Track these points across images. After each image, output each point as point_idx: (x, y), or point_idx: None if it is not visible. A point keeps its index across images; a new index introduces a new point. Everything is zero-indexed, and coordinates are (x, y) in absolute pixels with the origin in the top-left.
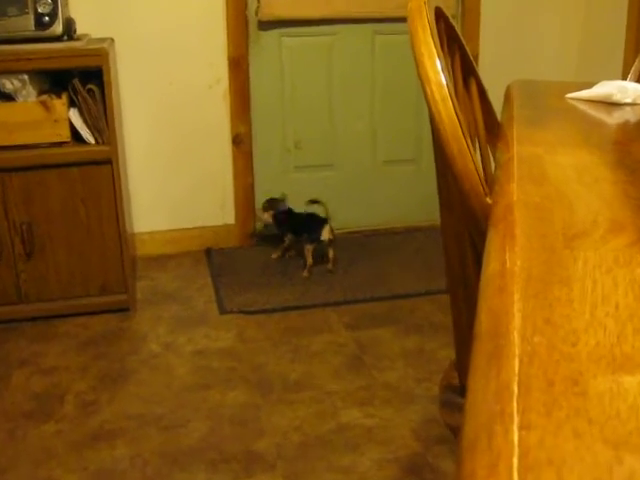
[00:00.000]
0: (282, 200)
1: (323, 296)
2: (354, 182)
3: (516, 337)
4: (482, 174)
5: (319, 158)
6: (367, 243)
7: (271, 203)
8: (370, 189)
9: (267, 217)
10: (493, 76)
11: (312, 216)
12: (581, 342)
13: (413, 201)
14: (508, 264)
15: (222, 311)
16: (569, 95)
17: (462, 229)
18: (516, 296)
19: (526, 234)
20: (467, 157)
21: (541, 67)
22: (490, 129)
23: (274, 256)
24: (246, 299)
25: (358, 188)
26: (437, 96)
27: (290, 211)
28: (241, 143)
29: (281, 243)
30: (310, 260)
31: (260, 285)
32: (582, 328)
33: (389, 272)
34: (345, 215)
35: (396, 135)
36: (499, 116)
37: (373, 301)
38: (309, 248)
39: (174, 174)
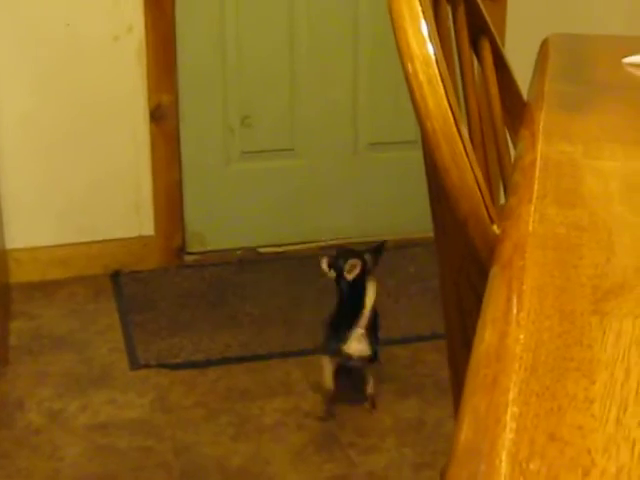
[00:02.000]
0: (360, 254)
1: (282, 341)
2: (326, 174)
3: (504, 463)
4: (487, 190)
5: (276, 140)
6: None
7: (343, 255)
8: (349, 185)
9: (332, 274)
10: (519, 32)
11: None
12: (596, 471)
13: (413, 202)
14: (508, 339)
15: (134, 365)
16: (628, 60)
17: (460, 264)
18: (512, 394)
19: (539, 289)
20: (465, 167)
21: (584, 16)
22: (511, 109)
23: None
24: (169, 346)
25: (332, 183)
26: (422, 77)
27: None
28: (163, 119)
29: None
30: (329, 384)
31: (190, 325)
32: (601, 447)
33: (379, 305)
34: (313, 223)
35: (388, 106)
36: (525, 90)
37: None
38: (327, 363)
39: (64, 166)
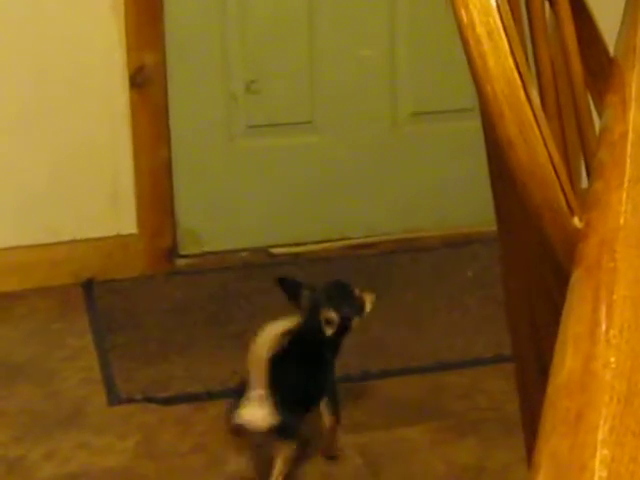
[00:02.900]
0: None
1: None
2: (355, 154)
3: None
4: (565, 172)
5: (290, 111)
6: (384, 267)
7: (345, 299)
8: (385, 167)
9: (334, 317)
10: None
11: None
12: None
13: (469, 187)
14: (595, 363)
15: (113, 399)
16: None
17: (531, 267)
18: (602, 432)
19: (634, 298)
20: (535, 142)
21: None
22: (594, 68)
23: None
24: (158, 375)
25: (362, 165)
26: (480, 29)
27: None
28: (146, 85)
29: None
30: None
31: (185, 348)
32: None
33: (427, 320)
34: (338, 217)
35: (435, 66)
36: (612, 46)
37: (395, 375)
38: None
39: (22, 148)
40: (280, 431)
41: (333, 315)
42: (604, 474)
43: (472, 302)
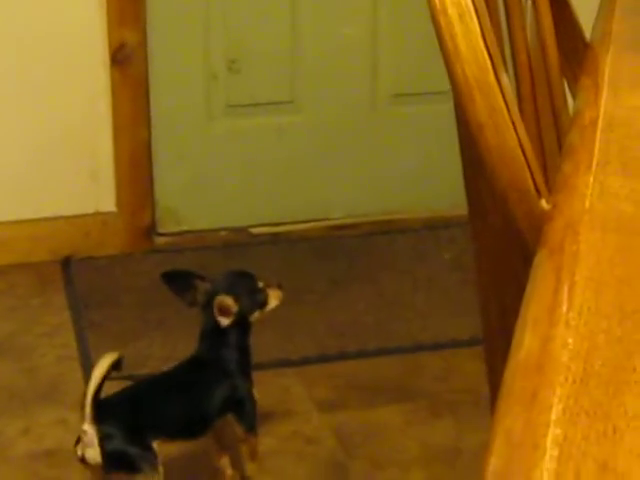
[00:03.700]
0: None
1: (279, 347)
2: (335, 134)
3: None
4: (533, 155)
5: (271, 90)
6: (364, 248)
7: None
8: (365, 148)
9: (231, 304)
10: None
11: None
12: None
13: (448, 170)
14: (553, 344)
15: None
16: None
17: (499, 249)
18: (555, 412)
19: (595, 281)
20: (504, 125)
21: None
22: (569, 52)
23: None
24: (135, 353)
25: (343, 146)
26: (451, 11)
27: None
28: (127, 62)
29: None
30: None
31: (162, 326)
32: None
33: (404, 301)
34: (319, 197)
35: (416, 47)
36: (588, 31)
37: (372, 356)
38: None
39: (2, 121)
40: (121, 464)
41: (229, 302)
42: (555, 453)
43: (449, 284)
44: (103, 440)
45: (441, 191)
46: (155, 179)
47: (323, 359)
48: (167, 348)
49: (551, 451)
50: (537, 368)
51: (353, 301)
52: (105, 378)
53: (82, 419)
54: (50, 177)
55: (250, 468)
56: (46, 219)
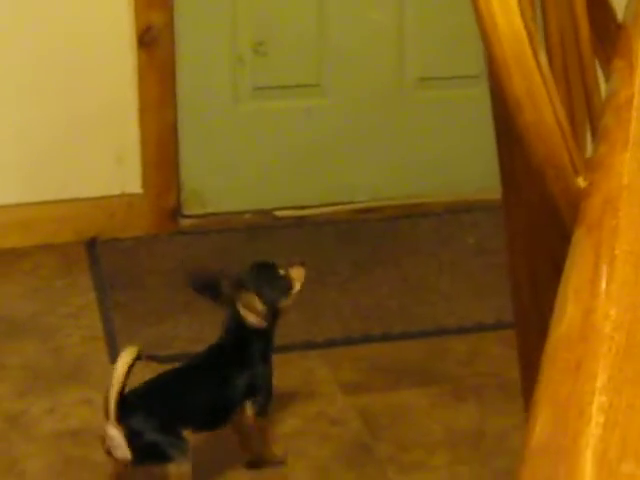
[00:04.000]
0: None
1: (303, 329)
2: (361, 117)
3: (590, 463)
4: (571, 133)
5: (298, 73)
6: (388, 231)
7: (268, 281)
8: (391, 131)
9: (257, 304)
10: None
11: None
12: None
13: (473, 154)
14: (595, 315)
15: (115, 357)
16: None
17: (534, 227)
18: (600, 380)
19: (636, 254)
20: (542, 101)
21: None
22: (602, 32)
23: None
24: (160, 334)
25: (368, 129)
26: None
27: None
28: (154, 45)
29: None
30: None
31: (187, 308)
32: None
33: (428, 285)
34: (344, 180)
35: (443, 31)
36: (621, 12)
37: (396, 339)
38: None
39: (27, 105)
40: (152, 456)
41: (255, 302)
42: (601, 419)
43: (474, 268)
44: (132, 437)
45: (466, 175)
46: (181, 161)
47: (348, 342)
48: (193, 330)
49: (597, 418)
50: (580, 339)
51: (377, 284)
52: (128, 375)
53: (106, 421)
54: (76, 158)
55: (266, 452)
56: (72, 200)
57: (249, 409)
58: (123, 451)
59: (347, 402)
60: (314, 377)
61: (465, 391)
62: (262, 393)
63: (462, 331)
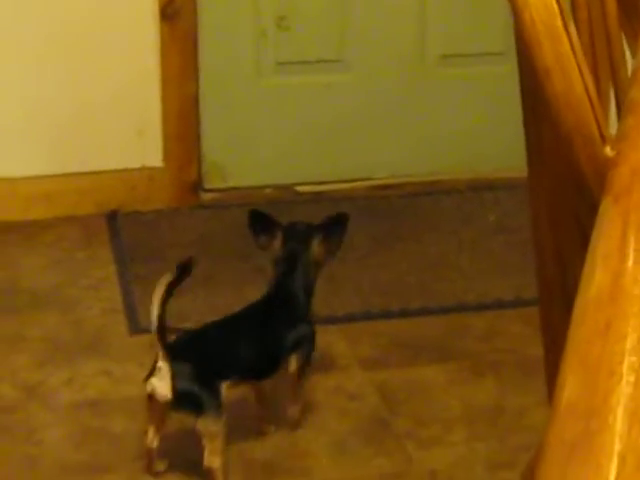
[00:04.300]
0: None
1: (322, 304)
2: (382, 93)
3: (619, 419)
4: (598, 102)
5: (320, 48)
6: (408, 208)
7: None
8: (413, 108)
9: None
10: None
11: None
12: None
13: (495, 132)
14: (624, 278)
15: (134, 328)
16: None
17: (560, 199)
18: (630, 341)
19: None
20: (571, 70)
21: None
22: (629, 9)
23: None
24: (179, 306)
25: (390, 105)
26: None
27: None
28: (176, 17)
29: None
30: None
31: (206, 280)
32: None
33: (448, 262)
34: (365, 156)
35: (466, 7)
36: None
37: (415, 315)
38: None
39: (50, 79)
40: (188, 403)
41: (320, 247)
42: (632, 379)
43: (494, 246)
44: (174, 377)
45: (486, 153)
46: (202, 134)
47: (367, 317)
48: (210, 302)
49: (627, 377)
50: (610, 300)
51: (397, 261)
52: (169, 295)
53: (156, 354)
54: (97, 131)
55: (292, 410)
56: (93, 173)
57: (294, 362)
58: (166, 388)
59: (365, 377)
60: (333, 351)
61: (483, 367)
62: (307, 347)
63: (481, 308)
